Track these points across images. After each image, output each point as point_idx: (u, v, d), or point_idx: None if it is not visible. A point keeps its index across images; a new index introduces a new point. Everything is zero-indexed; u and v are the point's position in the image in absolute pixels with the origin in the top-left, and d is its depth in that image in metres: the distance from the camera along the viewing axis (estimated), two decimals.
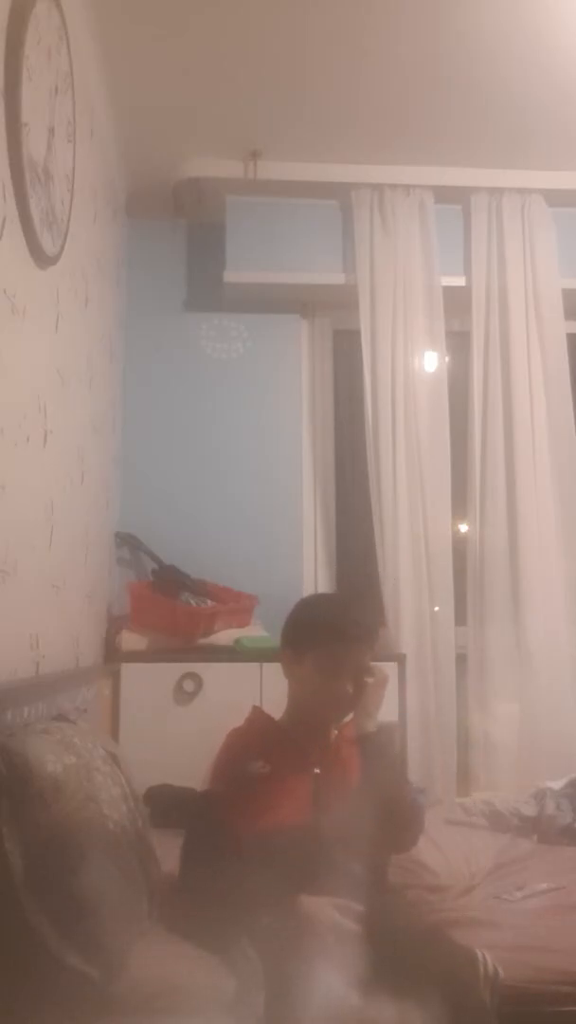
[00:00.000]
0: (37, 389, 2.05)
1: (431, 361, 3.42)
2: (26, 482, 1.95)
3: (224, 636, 3.04)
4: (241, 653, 2.95)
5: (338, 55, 2.73)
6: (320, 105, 2.99)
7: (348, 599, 2.44)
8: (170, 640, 2.98)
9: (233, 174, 3.31)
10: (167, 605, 3.02)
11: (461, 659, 3.28)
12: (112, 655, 2.95)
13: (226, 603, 3.13)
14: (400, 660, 3.00)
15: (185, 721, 2.81)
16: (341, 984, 1.38)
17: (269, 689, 2.72)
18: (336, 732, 1.86)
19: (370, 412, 3.34)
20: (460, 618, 3.31)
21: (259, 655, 2.85)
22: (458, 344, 3.55)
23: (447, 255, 3.46)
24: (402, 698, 2.95)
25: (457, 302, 3.41)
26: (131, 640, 2.97)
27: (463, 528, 3.43)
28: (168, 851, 1.77)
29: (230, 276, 3.38)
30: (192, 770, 2.08)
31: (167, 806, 2.23)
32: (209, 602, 3.10)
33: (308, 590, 3.41)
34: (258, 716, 1.93)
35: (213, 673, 2.89)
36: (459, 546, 3.35)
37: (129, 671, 2.89)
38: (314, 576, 3.52)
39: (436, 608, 3.27)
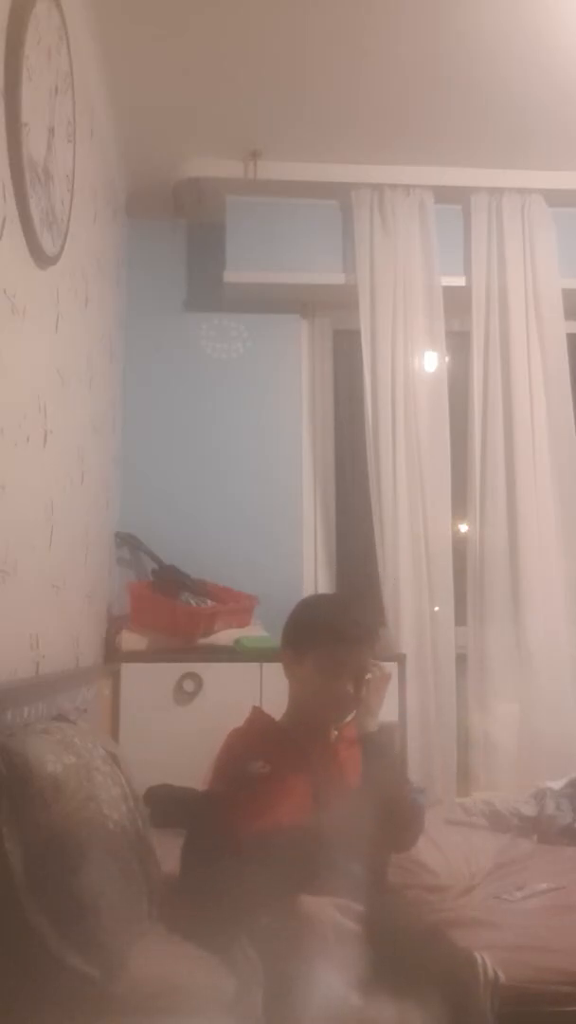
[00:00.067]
0: (37, 389, 2.05)
1: (431, 361, 3.42)
2: (26, 482, 1.95)
3: (224, 636, 3.04)
4: (241, 653, 2.95)
5: (338, 55, 2.73)
6: (320, 105, 2.99)
7: (349, 599, 2.44)
8: (170, 640, 2.98)
9: (233, 174, 3.31)
10: (167, 605, 3.02)
11: (461, 659, 3.28)
12: (112, 655, 2.95)
13: (226, 603, 3.13)
14: (400, 660, 3.00)
15: (185, 721, 2.81)
16: (341, 984, 1.38)
17: (269, 689, 2.72)
18: (336, 732, 1.86)
19: (370, 412, 3.34)
20: (460, 618, 3.31)
21: (259, 655, 2.85)
22: (458, 344, 3.55)
23: (447, 255, 3.46)
24: (402, 698, 2.95)
25: (457, 302, 3.41)
26: (131, 640, 2.97)
27: (463, 528, 3.43)
28: (168, 851, 1.77)
29: (230, 276, 3.38)
30: (192, 770, 2.08)
31: (167, 806, 2.23)
32: (209, 602, 3.10)
33: (308, 590, 3.41)
34: (258, 716, 1.93)
35: (213, 673, 2.89)
36: (459, 546, 3.35)
37: (129, 671, 2.89)
38: (314, 576, 3.52)
39: (436, 608, 3.27)
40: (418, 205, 3.44)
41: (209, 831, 1.73)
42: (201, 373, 3.54)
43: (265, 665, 2.81)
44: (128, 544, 3.33)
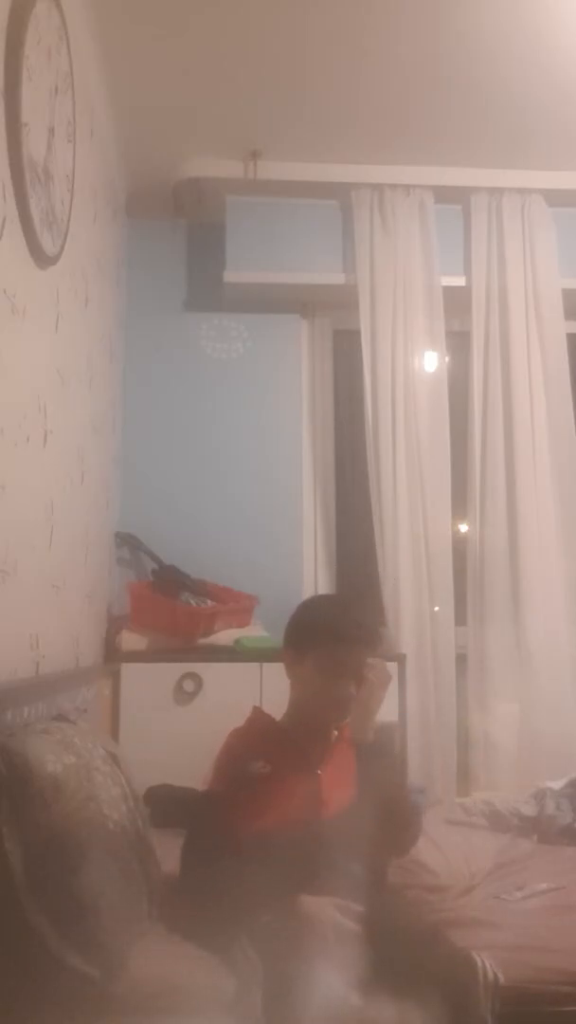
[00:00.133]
0: (37, 389, 2.05)
1: (431, 361, 3.42)
2: (26, 482, 1.95)
3: (224, 636, 3.04)
4: (241, 653, 2.95)
5: (338, 55, 2.73)
6: (320, 105, 2.99)
7: (350, 600, 2.43)
8: (170, 640, 2.98)
9: (233, 174, 3.31)
10: (167, 605, 3.02)
11: (461, 659, 3.28)
12: (112, 655, 2.95)
13: (226, 603, 3.13)
14: (400, 660, 3.00)
15: (185, 721, 2.81)
16: (341, 984, 1.38)
17: (269, 689, 2.72)
18: (336, 733, 1.86)
19: (370, 412, 3.34)
20: (460, 618, 3.31)
21: (259, 655, 2.85)
22: (458, 344, 3.55)
23: (447, 255, 3.46)
24: (402, 698, 2.95)
25: (457, 302, 3.41)
26: (131, 640, 2.97)
27: (463, 528, 3.43)
28: (168, 851, 1.76)
29: (230, 276, 3.38)
30: (192, 770, 2.07)
31: (167, 806, 2.23)
32: (209, 602, 3.10)
33: (308, 590, 3.41)
34: (259, 716, 1.93)
35: (213, 673, 2.89)
36: (459, 546, 3.35)
37: (129, 671, 2.89)
38: (314, 576, 3.52)
39: (436, 608, 3.27)
40: (418, 205, 3.44)
41: (209, 831, 1.73)
42: (201, 373, 3.54)
43: (265, 665, 2.81)
44: (128, 544, 3.33)
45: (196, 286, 3.61)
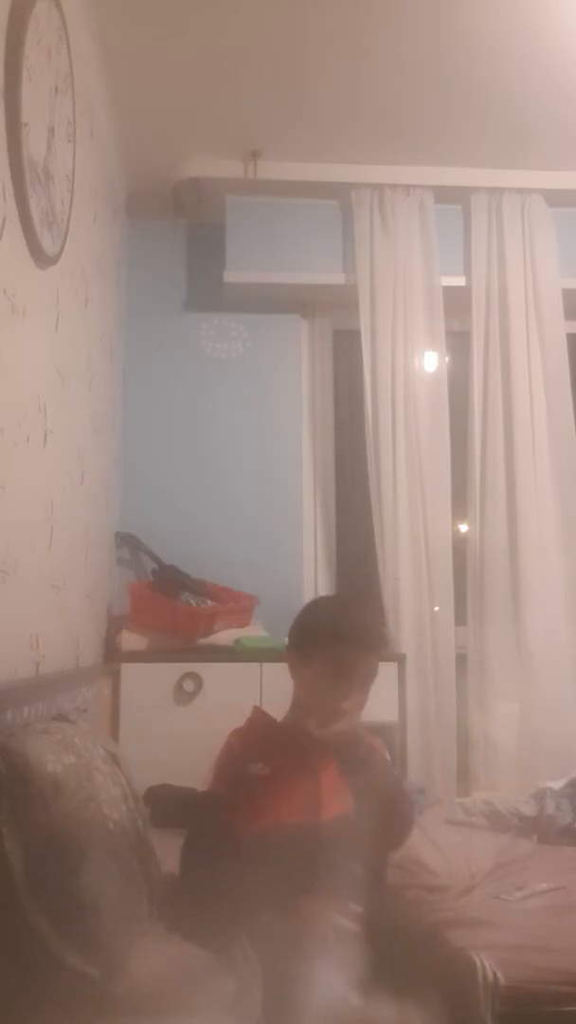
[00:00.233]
0: (37, 389, 2.05)
1: (431, 361, 3.42)
2: (26, 482, 1.95)
3: (224, 636, 3.04)
4: (241, 653, 2.95)
5: (338, 55, 2.73)
6: (320, 105, 2.99)
7: (357, 603, 2.38)
8: (170, 640, 2.98)
9: (233, 174, 3.31)
10: (167, 605, 3.02)
11: (461, 659, 3.28)
12: (112, 655, 2.95)
13: (226, 603, 3.13)
14: (400, 660, 3.00)
15: (185, 721, 2.81)
16: (341, 984, 1.38)
17: (269, 689, 2.73)
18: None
19: (370, 412, 3.34)
20: (460, 618, 3.31)
21: (259, 655, 2.85)
22: (458, 344, 3.55)
23: (447, 255, 3.46)
24: (402, 698, 2.95)
25: (457, 302, 3.41)
26: (131, 640, 2.97)
27: (463, 528, 3.43)
28: (168, 851, 1.77)
29: (230, 276, 3.38)
30: (192, 770, 2.07)
31: (167, 806, 2.23)
32: (209, 602, 3.10)
33: (308, 590, 3.42)
34: (259, 716, 1.93)
35: (213, 673, 2.89)
36: (459, 546, 3.35)
37: (129, 671, 2.89)
38: (314, 576, 3.52)
39: (436, 608, 3.27)
40: (418, 205, 3.44)
41: (209, 831, 1.73)
42: (201, 373, 3.54)
43: (265, 665, 2.81)
44: (128, 544, 3.33)
45: (196, 286, 3.61)
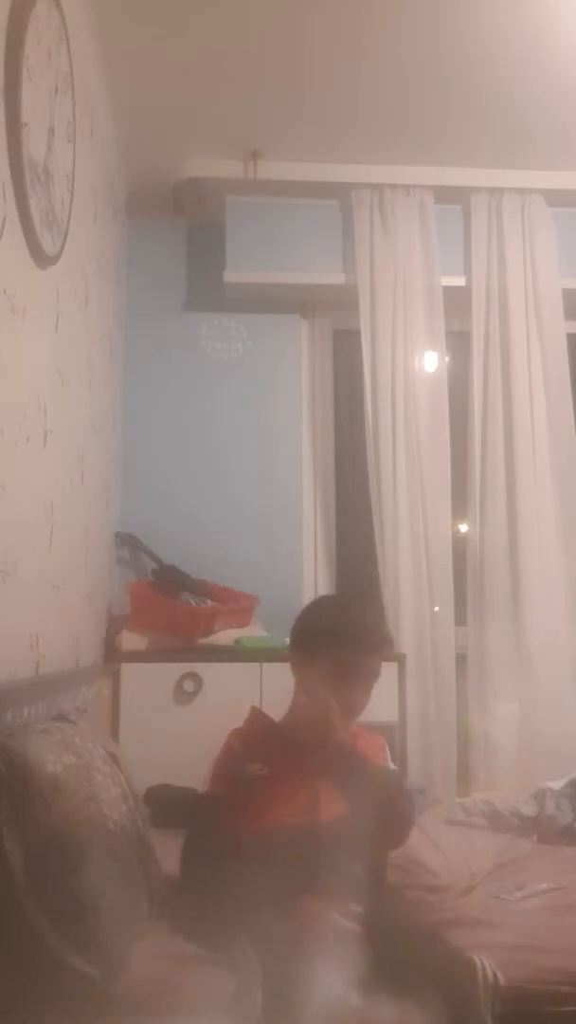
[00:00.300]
0: (37, 389, 2.05)
1: (431, 361, 3.42)
2: (26, 482, 1.95)
3: (224, 636, 3.03)
4: (241, 653, 2.95)
5: (338, 55, 2.73)
6: (320, 105, 2.99)
7: (361, 604, 2.36)
8: (170, 640, 2.98)
9: (233, 174, 3.31)
10: (167, 605, 3.02)
11: (461, 659, 3.28)
12: (112, 655, 2.95)
13: (226, 603, 3.13)
14: (400, 660, 3.00)
15: (185, 721, 2.81)
16: (341, 984, 1.38)
17: (269, 689, 2.73)
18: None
19: (370, 412, 3.34)
20: (460, 618, 3.31)
21: (259, 655, 2.85)
22: (458, 344, 3.55)
23: (447, 255, 3.46)
24: (402, 698, 2.95)
25: (457, 302, 3.41)
26: (131, 640, 2.97)
27: (463, 528, 3.43)
28: (168, 851, 1.77)
29: (230, 276, 3.38)
30: (192, 770, 2.07)
31: (167, 806, 2.23)
32: (209, 602, 3.10)
33: (308, 590, 3.42)
34: (258, 717, 1.93)
35: (213, 673, 2.89)
36: (459, 546, 3.35)
37: (129, 671, 2.89)
38: (314, 576, 3.52)
39: (436, 608, 3.27)
40: (418, 205, 3.44)
41: (209, 831, 1.73)
42: (201, 373, 3.54)
43: (265, 665, 2.81)
44: (128, 544, 3.33)
45: (196, 286, 3.61)
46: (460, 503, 3.38)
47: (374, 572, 3.29)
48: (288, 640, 1.94)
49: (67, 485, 2.39)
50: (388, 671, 2.86)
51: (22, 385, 1.93)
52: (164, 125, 3.08)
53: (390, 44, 2.69)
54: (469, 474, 3.38)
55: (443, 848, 2.32)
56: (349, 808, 1.72)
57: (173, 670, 2.88)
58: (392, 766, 2.00)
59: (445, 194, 3.43)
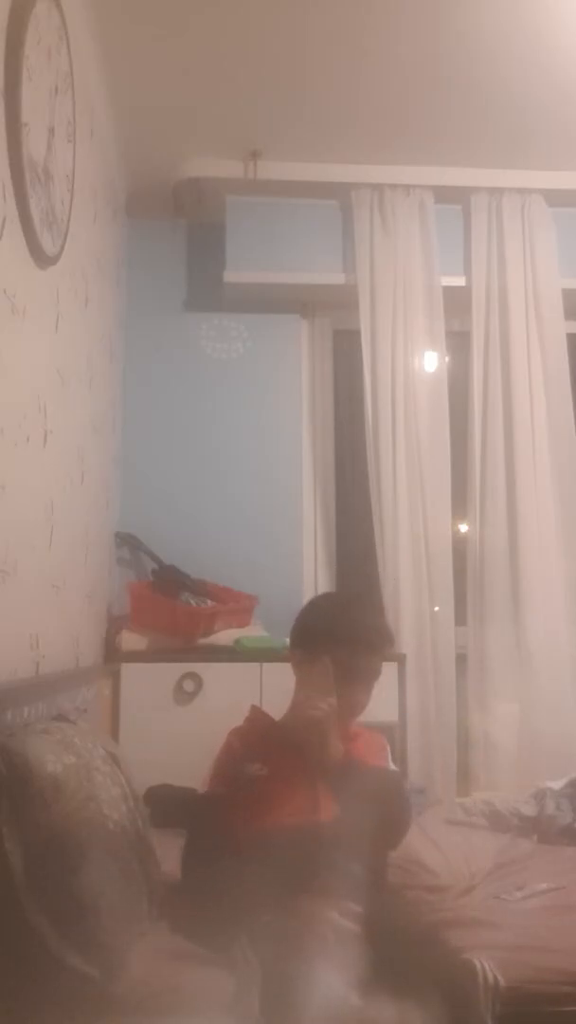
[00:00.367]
0: (37, 389, 2.05)
1: (431, 361, 3.42)
2: (26, 482, 1.95)
3: (224, 636, 3.03)
4: (241, 653, 2.95)
5: (338, 55, 2.73)
6: (320, 105, 2.99)
7: (362, 602, 2.35)
8: (170, 640, 2.98)
9: (233, 174, 3.31)
10: (167, 605, 3.02)
11: (461, 659, 3.28)
12: (112, 655, 2.95)
13: (226, 603, 3.13)
14: (400, 660, 2.99)
15: (185, 721, 2.81)
16: (341, 984, 1.38)
17: (269, 689, 2.73)
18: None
19: (370, 412, 3.34)
20: (460, 618, 3.31)
21: (259, 655, 2.85)
22: (458, 344, 3.55)
23: (447, 255, 3.46)
24: (402, 698, 2.95)
25: (457, 302, 3.41)
26: (131, 640, 2.97)
27: (463, 528, 3.43)
28: (168, 851, 1.77)
29: (230, 276, 3.38)
30: (192, 770, 2.07)
31: (167, 806, 2.23)
32: (209, 602, 3.10)
33: (308, 590, 3.41)
34: (258, 716, 1.93)
35: (213, 673, 2.89)
36: (459, 546, 3.35)
37: (129, 671, 2.89)
38: (314, 576, 3.52)
39: (436, 608, 3.27)
40: (418, 205, 3.44)
41: (209, 831, 1.73)
42: (201, 373, 3.54)
43: (265, 665, 2.81)
44: (128, 544, 3.33)
45: (196, 286, 3.61)
46: (460, 503, 3.38)
47: (374, 572, 3.29)
48: (288, 640, 1.94)
49: (67, 485, 2.39)
50: (388, 671, 2.85)
51: (22, 385, 1.93)
52: (164, 125, 3.08)
53: (390, 44, 2.69)
54: (469, 474, 3.38)
55: (443, 848, 2.32)
56: (346, 812, 1.72)
57: (173, 670, 2.88)
58: (393, 766, 2.00)
59: (445, 194, 3.43)
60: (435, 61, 2.76)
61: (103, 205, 2.95)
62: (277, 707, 1.91)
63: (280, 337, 3.61)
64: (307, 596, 3.24)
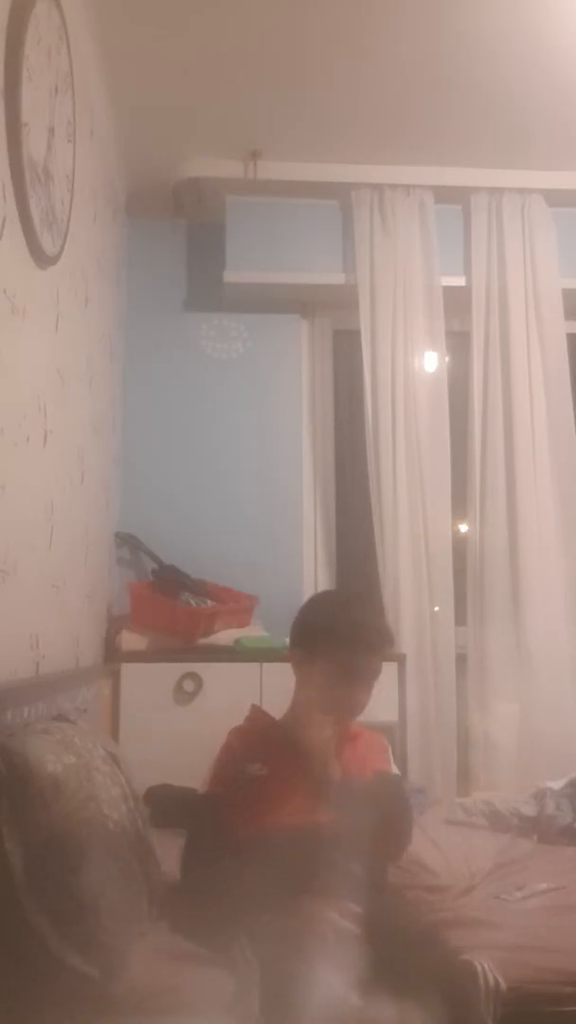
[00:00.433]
0: (37, 389, 2.05)
1: (431, 361, 3.42)
2: (26, 482, 1.95)
3: (224, 636, 3.03)
4: (241, 653, 2.95)
5: (338, 55, 2.73)
6: (320, 105, 2.99)
7: (364, 601, 2.32)
8: (170, 640, 2.98)
9: (233, 174, 3.31)
10: (167, 605, 3.02)
11: (461, 659, 3.28)
12: (112, 655, 2.95)
13: (226, 603, 3.13)
14: (400, 660, 3.00)
15: (185, 721, 2.81)
16: (341, 984, 1.38)
17: (269, 689, 2.72)
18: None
19: (370, 412, 3.34)
20: (460, 618, 3.31)
21: (259, 655, 2.85)
22: (458, 344, 3.55)
23: (447, 255, 3.46)
24: (402, 698, 2.95)
25: (457, 302, 3.41)
26: (131, 640, 2.97)
27: (463, 528, 3.43)
28: (168, 851, 1.77)
29: (230, 276, 3.38)
30: (192, 770, 2.07)
31: (167, 806, 2.23)
32: (209, 602, 3.10)
33: (308, 590, 3.41)
34: (259, 716, 1.92)
35: (213, 673, 2.89)
36: (459, 546, 3.35)
37: (129, 671, 2.89)
38: (314, 576, 3.52)
39: (436, 608, 3.27)
40: (418, 205, 3.44)
41: (209, 831, 1.73)
42: (201, 373, 3.54)
43: (265, 665, 2.81)
44: (128, 544, 3.33)
45: (196, 286, 3.61)
46: (460, 503, 3.38)
47: (374, 572, 3.29)
48: (288, 639, 1.94)
49: (67, 485, 2.39)
50: (388, 671, 2.86)
51: (22, 385, 1.93)
52: (164, 125, 3.08)
53: (390, 44, 2.69)
54: (469, 474, 3.38)
55: (443, 848, 2.31)
56: (348, 827, 1.71)
57: (173, 670, 2.88)
58: (395, 769, 1.99)
59: (445, 194, 3.43)
60: (435, 61, 2.76)
61: (103, 205, 2.95)
62: (277, 707, 1.90)
63: (280, 337, 3.61)
64: (307, 596, 3.23)
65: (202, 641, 3.00)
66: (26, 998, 1.27)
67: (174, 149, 3.23)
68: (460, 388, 3.47)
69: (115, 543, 3.29)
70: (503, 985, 1.50)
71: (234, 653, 2.96)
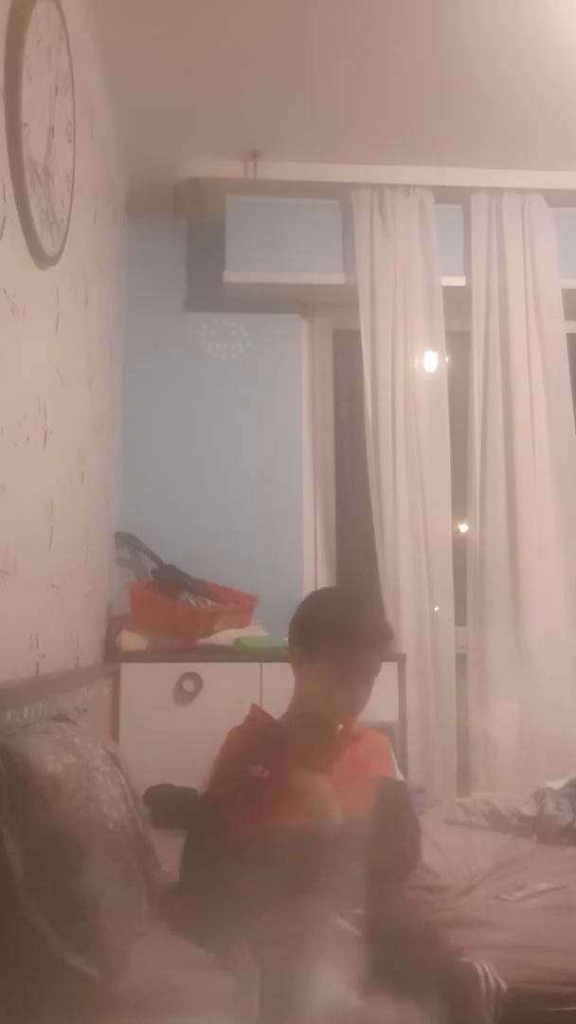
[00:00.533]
0: (37, 389, 2.05)
1: (431, 361, 3.42)
2: (26, 482, 1.95)
3: (224, 636, 3.04)
4: (241, 653, 2.95)
5: (338, 55, 2.73)
6: (320, 105, 2.99)
7: (363, 598, 2.34)
8: (170, 640, 2.98)
9: (233, 174, 3.31)
10: (167, 605, 3.02)
11: (461, 659, 3.28)
12: (112, 655, 2.95)
13: (226, 603, 3.13)
14: (400, 660, 3.00)
15: (185, 721, 2.81)
16: (341, 984, 1.38)
17: (269, 689, 2.73)
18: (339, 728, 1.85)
19: (370, 412, 3.34)
20: (460, 618, 3.31)
21: (259, 655, 2.85)
22: (458, 344, 3.55)
23: (447, 255, 3.46)
24: (402, 698, 2.96)
25: (457, 302, 3.41)
26: (131, 640, 2.97)
27: (463, 528, 3.43)
28: (168, 851, 1.77)
29: (230, 276, 3.38)
30: (192, 770, 2.08)
31: (167, 806, 2.23)
32: (209, 602, 3.10)
33: (308, 590, 3.37)
34: (259, 715, 1.92)
35: (213, 673, 2.89)
36: (459, 546, 3.35)
37: (129, 671, 2.89)
38: (314, 576, 3.52)
39: (436, 608, 3.27)
40: (418, 205, 3.44)
41: (209, 832, 1.73)
42: (201, 373, 3.54)
43: (265, 665, 2.81)
44: (128, 544, 3.33)
45: (196, 286, 3.61)
46: (460, 503, 3.38)
47: (374, 572, 3.28)
48: (287, 638, 1.94)
49: (67, 485, 2.39)
50: (388, 671, 2.87)
51: (22, 385, 1.93)
52: (164, 125, 3.08)
53: (390, 44, 2.69)
54: (469, 474, 3.38)
55: (443, 848, 2.31)
56: (352, 803, 1.71)
57: (173, 670, 2.88)
58: (398, 772, 1.99)
59: (445, 194, 3.43)
60: (435, 61, 2.76)
61: (103, 205, 2.96)
62: (277, 707, 1.90)
63: (280, 337, 3.61)
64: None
65: (202, 641, 3.00)
66: (26, 998, 1.27)
67: (174, 149, 3.23)
68: (460, 388, 3.47)
69: (115, 543, 3.29)
70: (504, 987, 1.50)
71: (234, 653, 2.97)
